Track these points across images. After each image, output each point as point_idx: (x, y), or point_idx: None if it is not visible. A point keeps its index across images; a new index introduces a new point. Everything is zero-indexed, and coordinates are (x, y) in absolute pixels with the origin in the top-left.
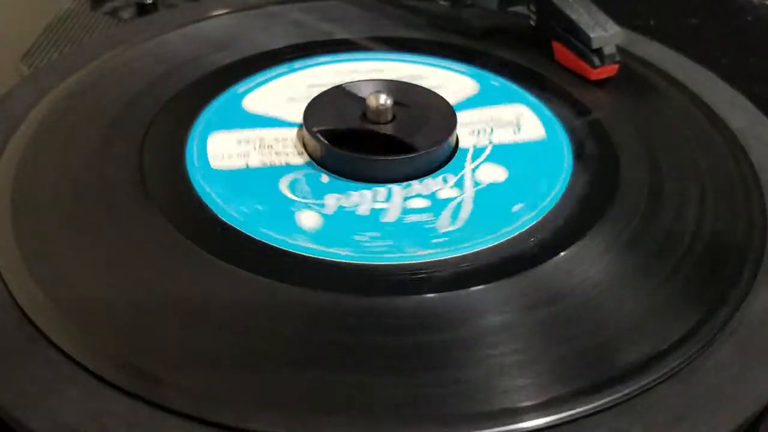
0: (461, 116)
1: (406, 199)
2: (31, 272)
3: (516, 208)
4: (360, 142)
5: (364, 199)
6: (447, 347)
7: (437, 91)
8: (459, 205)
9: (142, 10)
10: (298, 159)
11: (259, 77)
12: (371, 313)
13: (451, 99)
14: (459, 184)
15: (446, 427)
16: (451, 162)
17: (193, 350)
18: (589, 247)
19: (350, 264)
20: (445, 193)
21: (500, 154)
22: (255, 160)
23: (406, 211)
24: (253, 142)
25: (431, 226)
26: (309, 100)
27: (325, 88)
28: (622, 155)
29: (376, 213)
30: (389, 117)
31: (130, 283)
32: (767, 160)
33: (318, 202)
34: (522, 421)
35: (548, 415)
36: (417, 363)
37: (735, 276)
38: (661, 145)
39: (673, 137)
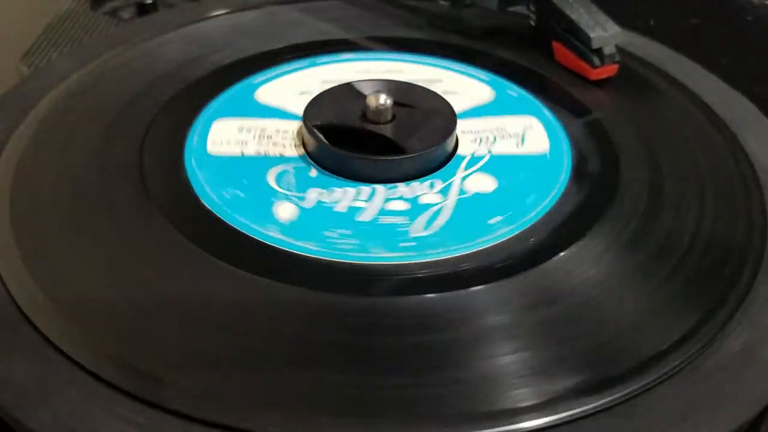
0: (468, 123)
1: (387, 200)
2: (30, 272)
3: (494, 220)
4: (355, 141)
5: (345, 196)
6: (447, 347)
7: (451, 96)
8: (437, 212)
9: (142, 10)
10: (293, 151)
11: (276, 70)
12: (371, 313)
13: (463, 105)
14: (444, 191)
15: (446, 427)
16: (444, 168)
17: (193, 350)
18: (589, 247)
19: (308, 258)
20: (428, 198)
21: (496, 164)
22: (251, 149)
23: (383, 212)
24: (254, 131)
25: (404, 229)
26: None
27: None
28: (622, 155)
29: (353, 211)
30: (389, 117)
31: (129, 283)
32: (767, 160)
33: (299, 195)
34: (522, 421)
35: (548, 415)
36: (417, 363)
37: (735, 276)
38: (661, 145)
39: (673, 137)
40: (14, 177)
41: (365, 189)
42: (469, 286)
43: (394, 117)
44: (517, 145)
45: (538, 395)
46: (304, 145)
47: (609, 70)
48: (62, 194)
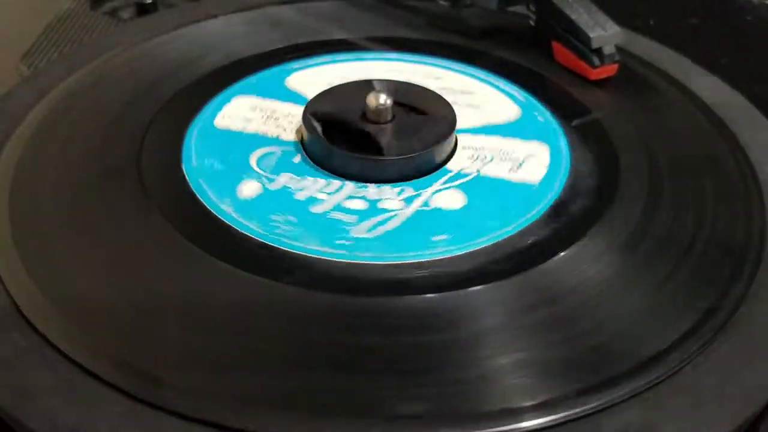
0: (474, 139)
1: (348, 197)
2: (29, 272)
3: (438, 237)
4: (348, 136)
5: (312, 186)
6: (447, 347)
7: (473, 109)
8: (389, 219)
9: (142, 10)
10: (290, 136)
11: (316, 59)
12: (371, 313)
13: (481, 120)
14: (409, 200)
15: (446, 427)
16: (423, 177)
17: (192, 350)
18: (589, 247)
19: (242, 235)
20: (389, 204)
21: (476, 185)
22: (253, 127)
23: (338, 208)
24: (265, 111)
25: (348, 228)
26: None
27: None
28: (622, 155)
29: (310, 201)
30: (388, 117)
31: (129, 283)
32: (767, 160)
33: (271, 176)
34: (522, 421)
35: (548, 415)
36: (417, 363)
37: (735, 276)
38: (661, 145)
39: (673, 137)
40: (14, 177)
41: (335, 183)
42: (469, 286)
43: (393, 118)
44: (511, 170)
45: (538, 395)
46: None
47: (609, 70)
48: (61, 194)
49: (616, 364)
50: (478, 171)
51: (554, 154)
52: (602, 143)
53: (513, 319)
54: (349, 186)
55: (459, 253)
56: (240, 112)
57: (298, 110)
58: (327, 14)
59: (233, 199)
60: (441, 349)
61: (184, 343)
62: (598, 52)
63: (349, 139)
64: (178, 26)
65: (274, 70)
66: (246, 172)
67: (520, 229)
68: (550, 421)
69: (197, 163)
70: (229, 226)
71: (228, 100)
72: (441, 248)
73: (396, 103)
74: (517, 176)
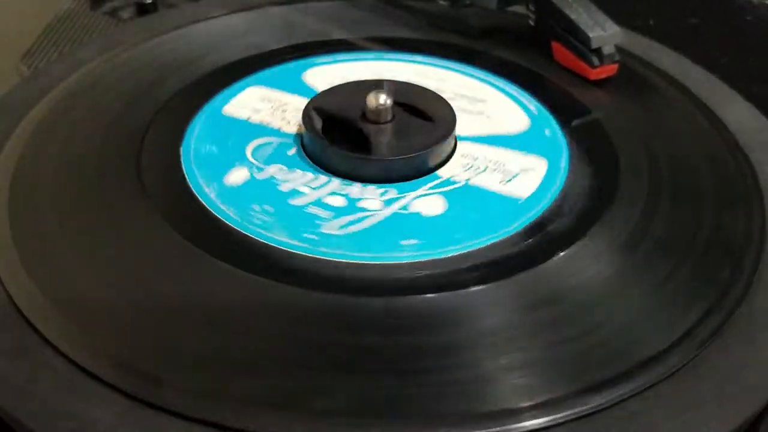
0: (474, 148)
1: (331, 193)
2: (29, 272)
3: (407, 242)
4: (346, 134)
5: (299, 179)
6: (447, 347)
7: (483, 118)
8: (363, 218)
9: (142, 10)
10: (292, 129)
11: (338, 56)
12: (371, 313)
13: (487, 130)
14: (389, 202)
15: (446, 427)
16: (410, 181)
17: (193, 350)
18: (589, 247)
19: (216, 220)
20: (368, 204)
21: (462, 194)
22: (258, 117)
23: (317, 203)
24: (274, 102)
25: (319, 223)
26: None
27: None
28: (622, 155)
29: (293, 193)
30: (388, 117)
31: (129, 284)
32: (767, 159)
33: (261, 166)
34: (522, 421)
35: (548, 415)
36: (417, 363)
37: (735, 276)
38: (661, 144)
39: (672, 137)
40: (14, 177)
41: (322, 178)
42: (469, 286)
43: (393, 118)
44: (501, 182)
45: (538, 395)
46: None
47: (608, 70)
48: (61, 194)
49: (615, 364)
50: (467, 180)
51: (551, 171)
52: (602, 143)
53: (513, 319)
54: (335, 183)
55: (423, 259)
56: (250, 102)
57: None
58: (350, 13)
59: (219, 185)
60: (441, 349)
61: (184, 343)
62: (598, 52)
63: (345, 136)
64: (178, 26)
65: (293, 65)
66: (239, 159)
67: (492, 242)
68: (549, 421)
69: (195, 146)
70: (209, 211)
71: (242, 89)
72: (407, 252)
73: (401, 105)
74: (506, 189)
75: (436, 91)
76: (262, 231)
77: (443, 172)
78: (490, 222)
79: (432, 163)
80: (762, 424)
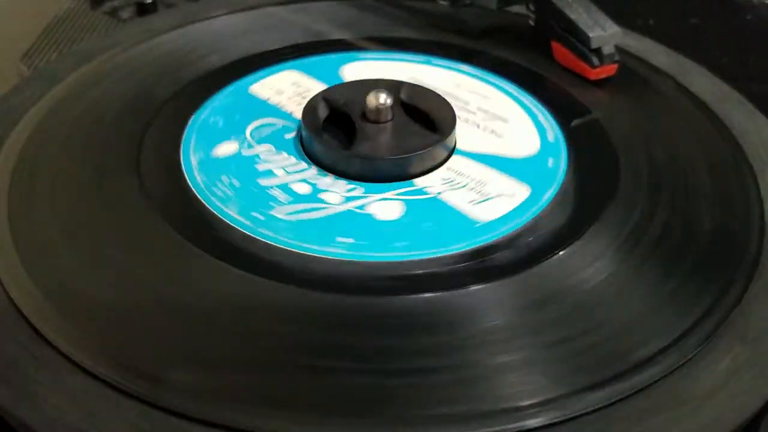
0: (467, 163)
1: (301, 180)
2: (29, 272)
3: (343, 239)
4: (341, 126)
5: (281, 161)
6: (447, 347)
7: (495, 138)
8: (315, 209)
9: (142, 10)
10: (300, 115)
11: (383, 54)
12: (371, 313)
13: (493, 149)
14: (349, 199)
15: (447, 427)
16: (381, 183)
17: (193, 350)
18: (589, 247)
19: (187, 190)
20: (329, 197)
21: (425, 205)
22: (277, 99)
23: (283, 186)
24: (301, 88)
25: (273, 205)
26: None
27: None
28: (622, 155)
29: (266, 173)
30: (388, 117)
31: (129, 283)
32: (766, 159)
33: (252, 144)
34: (522, 421)
35: (548, 415)
36: (417, 363)
37: (734, 275)
38: (661, 144)
39: (672, 137)
40: (13, 177)
41: (302, 164)
42: (469, 286)
43: (392, 118)
44: (470, 202)
45: (538, 395)
46: None
47: (608, 70)
48: (60, 194)
49: (615, 363)
50: (438, 193)
51: (528, 201)
52: (602, 143)
53: (513, 319)
54: (311, 171)
55: (344, 258)
56: (280, 84)
57: None
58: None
59: (205, 154)
60: (441, 349)
61: (184, 343)
62: (598, 52)
63: (341, 130)
64: (178, 26)
65: (336, 56)
66: (237, 134)
67: (422, 258)
68: (549, 420)
69: (203, 120)
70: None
71: (277, 71)
72: (336, 249)
73: (410, 108)
74: (471, 210)
75: (460, 103)
76: (218, 203)
77: (420, 181)
78: (433, 238)
79: (409, 170)
80: (762, 421)
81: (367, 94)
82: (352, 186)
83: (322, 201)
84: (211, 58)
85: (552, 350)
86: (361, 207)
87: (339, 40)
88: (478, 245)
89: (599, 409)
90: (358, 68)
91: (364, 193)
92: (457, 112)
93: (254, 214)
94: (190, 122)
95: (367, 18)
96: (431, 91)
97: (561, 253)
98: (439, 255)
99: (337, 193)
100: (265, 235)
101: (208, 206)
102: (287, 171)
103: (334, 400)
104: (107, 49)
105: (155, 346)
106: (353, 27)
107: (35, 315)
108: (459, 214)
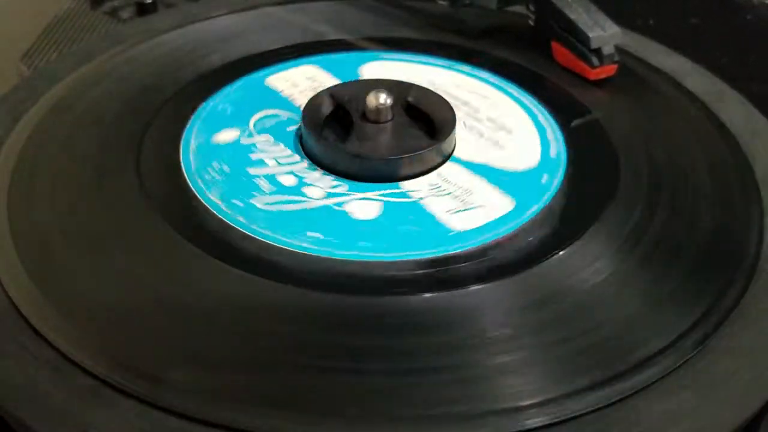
0: (458, 171)
1: (288, 172)
2: (29, 272)
3: (313, 234)
4: (340, 122)
5: (276, 152)
6: (447, 347)
7: (499, 149)
8: (293, 202)
9: (142, 10)
10: None
11: (404, 55)
12: (371, 313)
13: (490, 159)
14: (329, 195)
15: (447, 427)
16: (367, 182)
17: (193, 350)
18: (589, 247)
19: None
20: (311, 191)
21: (403, 209)
22: (289, 92)
23: (270, 176)
24: (316, 83)
25: (255, 194)
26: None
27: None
28: (621, 155)
29: (258, 162)
30: (388, 117)
31: (129, 283)
32: (766, 159)
33: (253, 133)
34: (522, 421)
35: (548, 415)
36: (417, 363)
37: (734, 275)
38: (660, 145)
39: (671, 137)
40: (13, 177)
41: (295, 157)
42: (469, 286)
43: (392, 119)
44: (449, 211)
45: (538, 395)
46: None
47: (608, 70)
48: (60, 194)
49: (615, 363)
50: (420, 198)
51: (510, 215)
52: (601, 143)
53: (513, 319)
54: (302, 164)
55: (310, 253)
56: (297, 77)
57: None
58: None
59: (205, 139)
60: (441, 349)
61: (184, 343)
62: (598, 52)
63: (341, 127)
64: (178, 26)
65: (357, 55)
66: (240, 123)
67: (385, 260)
68: (549, 419)
69: (212, 107)
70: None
71: (296, 65)
72: (303, 243)
73: (413, 111)
74: (448, 218)
75: (470, 110)
76: (202, 186)
77: (407, 185)
78: (399, 242)
79: (395, 172)
80: (762, 421)
81: (368, 92)
82: (337, 183)
83: (303, 195)
84: (212, 57)
85: (552, 350)
86: (339, 204)
87: (359, 39)
88: (439, 254)
89: (599, 409)
90: (377, 68)
91: (347, 190)
92: (464, 119)
93: (235, 201)
94: (194, 114)
95: (367, 18)
96: (439, 95)
97: (561, 253)
98: (401, 260)
99: (320, 188)
100: (240, 222)
101: (193, 188)
102: (279, 162)
103: (334, 400)
104: (107, 49)
105: (155, 346)
106: (353, 27)
107: (35, 315)
108: (435, 221)
